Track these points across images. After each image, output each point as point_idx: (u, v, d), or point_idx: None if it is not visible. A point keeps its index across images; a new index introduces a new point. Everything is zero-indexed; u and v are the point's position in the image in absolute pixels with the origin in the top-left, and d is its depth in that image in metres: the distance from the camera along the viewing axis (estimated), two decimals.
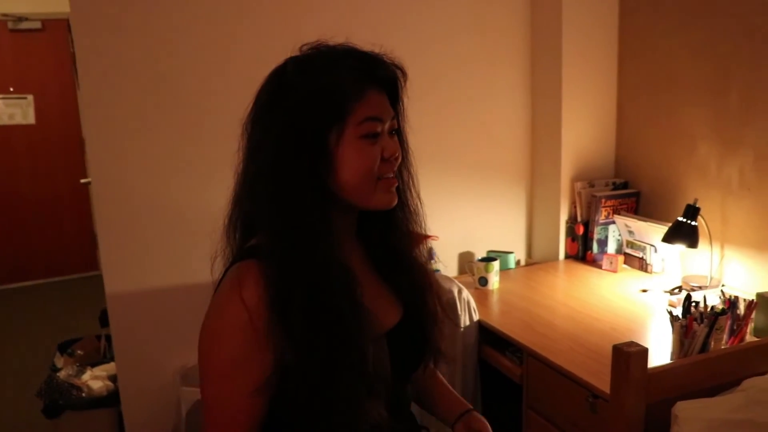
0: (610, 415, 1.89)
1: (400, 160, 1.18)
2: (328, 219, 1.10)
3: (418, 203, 1.28)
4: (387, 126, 1.13)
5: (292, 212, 1.07)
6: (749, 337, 2.26)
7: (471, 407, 1.47)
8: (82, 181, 5.57)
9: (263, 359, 1.04)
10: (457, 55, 3.09)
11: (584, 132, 3.22)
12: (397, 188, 1.20)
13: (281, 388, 1.07)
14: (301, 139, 1.07)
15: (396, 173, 1.18)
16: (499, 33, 3.17)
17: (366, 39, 2.81)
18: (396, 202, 1.17)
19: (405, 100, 1.22)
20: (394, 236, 1.24)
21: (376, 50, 1.17)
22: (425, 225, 1.31)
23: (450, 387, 1.51)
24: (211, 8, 2.57)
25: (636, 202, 3.19)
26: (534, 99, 3.29)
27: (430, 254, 3.02)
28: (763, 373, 1.96)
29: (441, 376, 1.52)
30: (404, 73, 1.19)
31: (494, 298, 2.82)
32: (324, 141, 1.08)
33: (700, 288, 2.62)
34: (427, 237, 2.91)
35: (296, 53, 1.15)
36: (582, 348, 2.27)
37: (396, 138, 1.18)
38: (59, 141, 6.00)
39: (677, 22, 2.89)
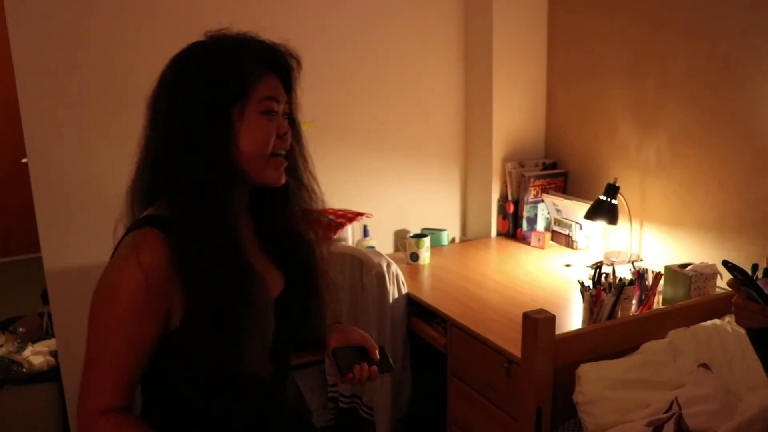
0: (522, 378, 2.03)
1: (290, 140, 1.27)
2: (229, 188, 1.19)
3: (314, 184, 1.38)
4: (281, 108, 1.24)
5: (197, 180, 1.15)
6: (658, 307, 2.41)
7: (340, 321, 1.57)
8: (23, 160, 5.50)
9: (151, 320, 1.13)
10: (392, 35, 3.19)
11: (515, 114, 3.35)
12: (289, 170, 1.29)
13: (169, 348, 1.16)
14: (207, 114, 1.15)
15: (288, 155, 1.27)
16: (434, 14, 3.27)
17: (302, 17, 2.87)
18: (284, 180, 1.26)
19: (298, 90, 1.32)
20: (281, 214, 1.34)
21: (276, 40, 1.27)
22: (323, 203, 1.40)
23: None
24: None
25: (564, 182, 3.33)
26: (467, 81, 3.40)
27: (365, 231, 3.12)
28: (661, 338, 2.11)
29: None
30: (299, 64, 1.29)
31: (425, 273, 2.93)
32: (228, 115, 1.17)
33: (620, 263, 2.77)
34: (323, 212, 3.00)
35: (201, 38, 1.24)
36: (503, 318, 2.40)
37: (286, 120, 1.27)
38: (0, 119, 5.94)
39: (604, 9, 3.02)
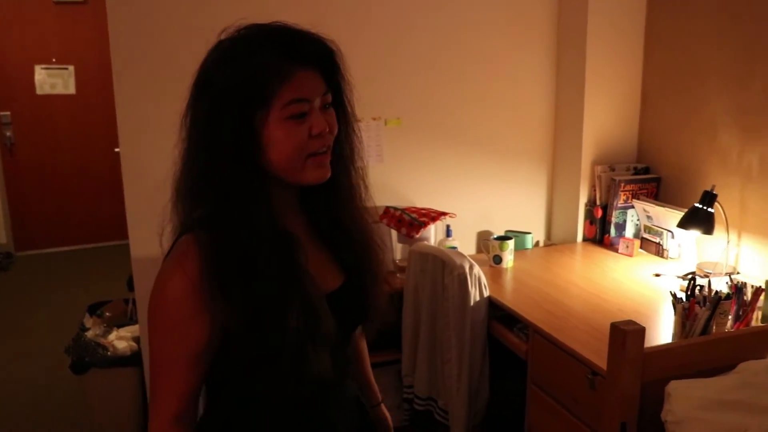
0: (607, 391, 1.94)
1: (334, 133, 1.21)
2: (265, 192, 1.16)
3: (360, 178, 1.33)
4: (318, 102, 1.17)
5: (224, 188, 1.13)
6: (757, 324, 2.27)
7: (381, 400, 1.62)
8: (116, 150, 5.69)
9: (202, 325, 1.12)
10: (482, 33, 3.13)
11: (607, 116, 3.23)
12: (337, 160, 1.24)
13: (226, 353, 1.15)
14: (228, 124, 1.12)
15: (333, 146, 1.22)
16: (527, 17, 3.20)
17: (394, 14, 2.83)
18: (329, 175, 1.21)
19: (346, 74, 1.25)
20: (335, 206, 1.30)
21: (307, 27, 1.19)
22: (369, 193, 1.36)
23: (371, 374, 1.63)
24: None
25: (656, 188, 3.20)
26: (558, 82, 3.31)
27: (447, 231, 3.07)
28: (760, 358, 1.99)
29: (367, 362, 1.62)
30: (333, 48, 1.21)
31: (507, 276, 2.86)
32: (250, 124, 1.12)
33: (714, 274, 2.63)
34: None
35: (225, 35, 1.18)
36: (587, 327, 2.31)
37: (331, 112, 1.21)
38: (98, 111, 6.16)
39: (704, 7, 2.88)
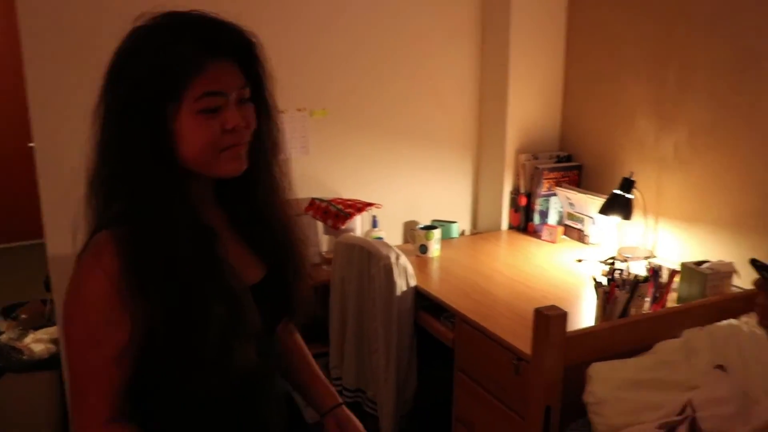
0: (531, 375, 1.97)
1: (251, 128, 1.18)
2: (180, 186, 1.13)
3: (280, 170, 1.30)
4: (234, 96, 1.13)
5: (138, 181, 1.09)
6: (673, 306, 2.34)
7: (341, 401, 1.52)
8: (30, 144, 5.48)
9: (124, 325, 1.08)
10: (408, 25, 3.13)
11: (530, 106, 3.28)
12: (257, 154, 1.22)
13: (149, 350, 1.11)
14: (139, 116, 1.08)
15: (253, 139, 1.19)
16: (451, 8, 3.21)
17: (321, 14, 2.78)
18: (244, 167, 1.18)
19: (267, 66, 1.22)
20: (255, 200, 1.27)
21: (228, 18, 1.15)
22: (291, 186, 1.33)
23: (319, 372, 1.55)
24: None
25: (578, 175, 3.26)
26: (483, 72, 3.33)
27: (374, 222, 3.06)
28: (675, 337, 2.05)
29: (311, 359, 1.56)
30: (253, 40, 1.18)
31: (434, 266, 2.87)
32: (162, 116, 1.09)
33: (634, 258, 2.70)
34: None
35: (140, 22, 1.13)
36: (512, 314, 2.34)
37: (248, 106, 1.17)
38: (7, 103, 5.87)
39: (624, 2, 2.94)
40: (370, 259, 2.58)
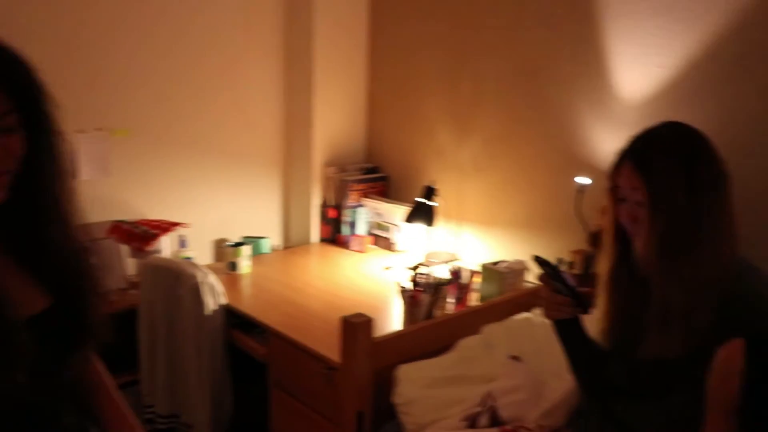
0: (342, 383, 1.99)
1: (16, 156, 1.11)
2: None
3: (70, 191, 1.24)
4: None
5: None
6: (475, 304, 2.46)
7: None
8: None
9: None
10: (215, 47, 3.07)
11: (336, 119, 3.34)
12: (34, 180, 1.16)
13: None
14: None
15: (30, 166, 1.13)
16: (255, 24, 3.19)
17: (121, 31, 2.65)
18: (5, 197, 1.12)
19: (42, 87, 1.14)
20: (35, 228, 1.21)
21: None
22: (82, 211, 1.28)
23: (119, 401, 1.47)
24: None
25: (385, 186, 3.36)
26: (288, 88, 3.34)
27: (182, 242, 2.98)
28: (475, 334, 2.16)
29: (111, 389, 1.47)
30: (19, 60, 1.11)
31: (244, 283, 2.84)
32: None
33: (437, 263, 2.81)
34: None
35: None
36: (323, 324, 2.36)
37: (12, 135, 1.10)
38: None
39: (423, 16, 3.08)
40: (177, 280, 2.50)
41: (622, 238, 1.59)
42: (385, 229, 3.18)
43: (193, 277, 2.45)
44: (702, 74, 2.17)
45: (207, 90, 3.10)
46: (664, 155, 1.48)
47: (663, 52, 2.25)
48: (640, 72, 2.33)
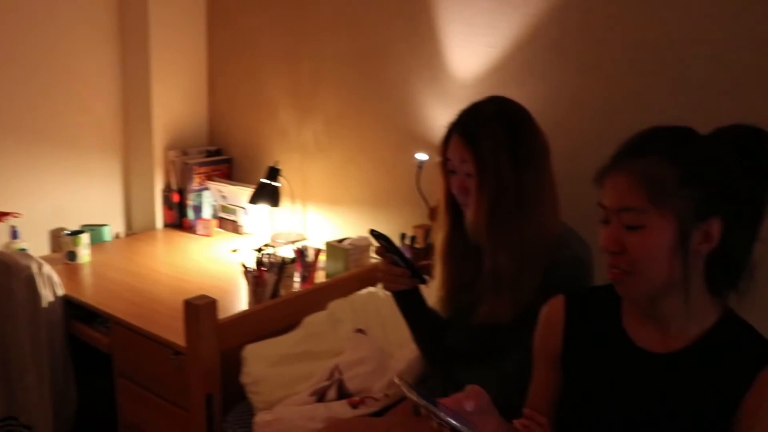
0: (189, 367, 1.98)
1: None
2: None
3: None
4: None
5: None
6: (321, 281, 2.50)
7: None
8: None
9: None
10: (46, 31, 2.91)
11: (176, 102, 3.27)
12: None
13: None
14: None
15: None
16: (87, 6, 3.04)
17: None
18: None
19: None
20: None
21: None
22: None
23: None
24: None
25: (229, 168, 3.33)
26: (125, 71, 3.22)
27: (13, 233, 2.83)
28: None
29: None
30: None
31: (84, 272, 2.74)
32: None
33: (284, 243, 2.83)
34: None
35: None
36: (169, 310, 2.32)
37: None
38: None
39: None
40: (9, 273, 2.37)
41: (454, 210, 1.68)
42: (231, 211, 3.16)
43: (26, 268, 2.34)
44: (525, 55, 2.30)
45: (37, 76, 2.93)
46: (491, 129, 1.57)
47: (492, 32, 2.36)
48: (471, 51, 2.43)
